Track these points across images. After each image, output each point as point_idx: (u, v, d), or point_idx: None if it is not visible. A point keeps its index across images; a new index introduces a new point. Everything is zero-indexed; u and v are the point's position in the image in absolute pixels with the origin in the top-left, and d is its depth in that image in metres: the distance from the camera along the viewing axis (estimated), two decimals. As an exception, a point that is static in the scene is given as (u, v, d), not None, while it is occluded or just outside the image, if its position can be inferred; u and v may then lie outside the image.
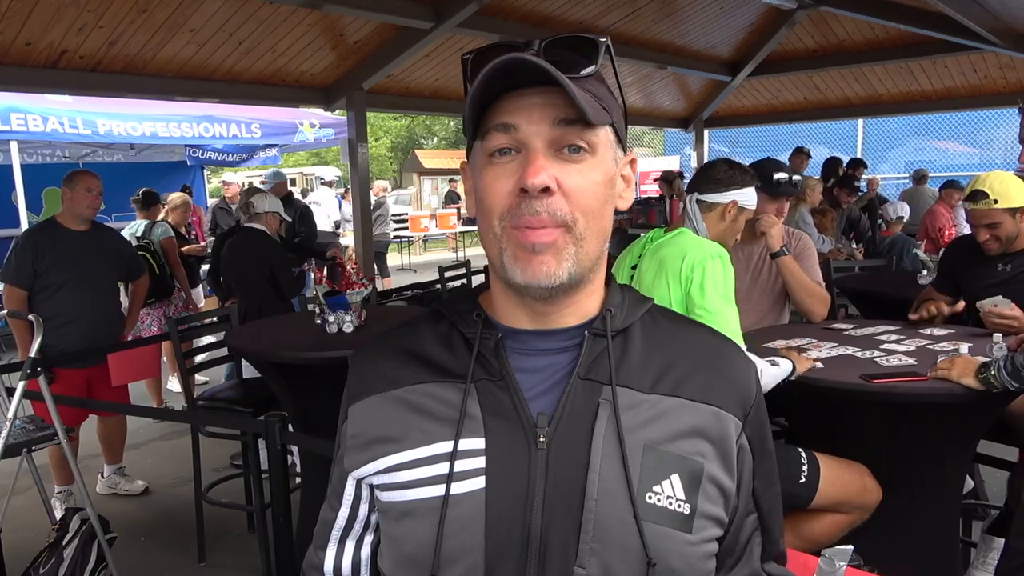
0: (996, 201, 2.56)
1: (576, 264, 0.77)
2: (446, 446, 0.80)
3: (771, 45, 7.75)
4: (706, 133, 11.28)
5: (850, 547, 1.23)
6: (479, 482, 0.78)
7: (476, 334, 0.83)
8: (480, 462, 0.79)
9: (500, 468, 0.78)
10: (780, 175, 2.82)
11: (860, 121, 13.41)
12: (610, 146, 0.80)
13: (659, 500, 0.77)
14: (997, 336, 2.22)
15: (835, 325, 2.76)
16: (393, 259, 14.81)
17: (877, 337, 2.53)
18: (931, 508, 2.22)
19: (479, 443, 0.79)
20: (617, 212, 0.86)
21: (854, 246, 7.19)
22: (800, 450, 2.06)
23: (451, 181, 18.02)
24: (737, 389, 0.84)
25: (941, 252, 3.16)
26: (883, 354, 2.27)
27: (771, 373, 1.95)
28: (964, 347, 2.11)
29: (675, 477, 0.78)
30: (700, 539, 0.79)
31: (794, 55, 8.09)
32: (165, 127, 7.42)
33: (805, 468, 2.01)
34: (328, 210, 11.23)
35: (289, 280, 4.38)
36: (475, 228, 15.89)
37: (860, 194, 8.02)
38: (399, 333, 0.90)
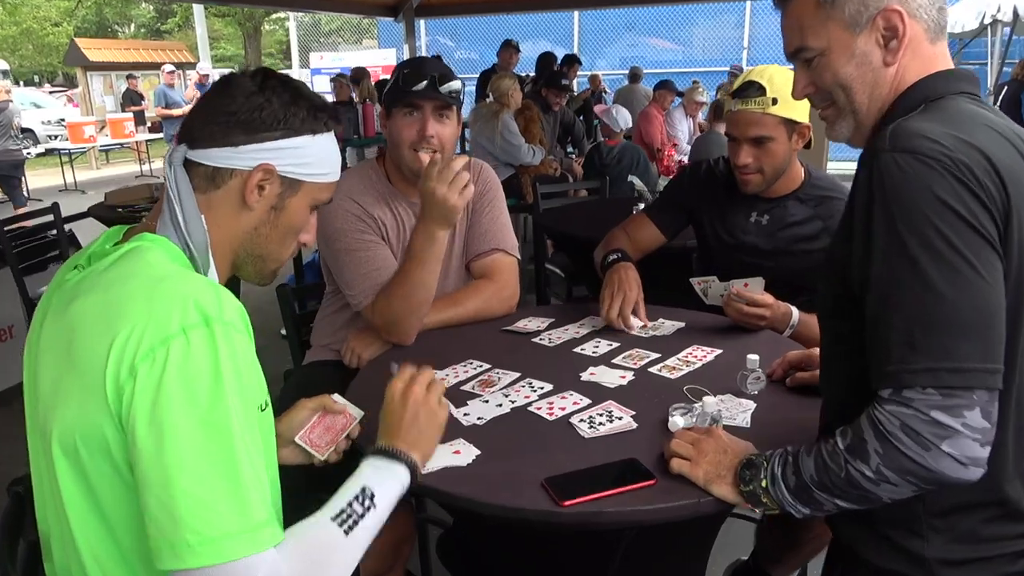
0: (775, 101, 1.70)
1: None
2: None
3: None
4: (421, 24, 10.04)
5: None
6: None
7: None
8: None
9: None
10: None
11: (576, 14, 12.98)
12: None
13: None
14: (753, 357, 1.38)
15: (519, 324, 1.79)
16: (53, 177, 11.89)
17: (578, 348, 1.62)
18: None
19: None
20: None
21: (571, 153, 6.54)
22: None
23: (129, 78, 14.74)
24: None
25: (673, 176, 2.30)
26: (585, 401, 1.35)
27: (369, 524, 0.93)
28: (712, 400, 1.23)
29: None
30: None
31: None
32: None
33: None
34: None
35: None
36: (161, 135, 13.21)
37: (573, 94, 7.37)
38: None
